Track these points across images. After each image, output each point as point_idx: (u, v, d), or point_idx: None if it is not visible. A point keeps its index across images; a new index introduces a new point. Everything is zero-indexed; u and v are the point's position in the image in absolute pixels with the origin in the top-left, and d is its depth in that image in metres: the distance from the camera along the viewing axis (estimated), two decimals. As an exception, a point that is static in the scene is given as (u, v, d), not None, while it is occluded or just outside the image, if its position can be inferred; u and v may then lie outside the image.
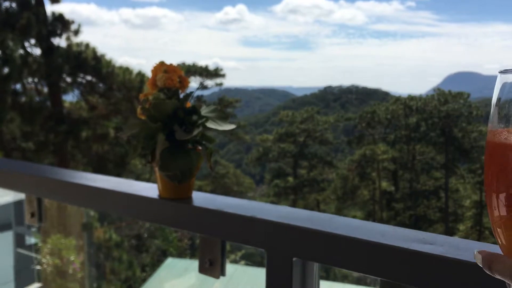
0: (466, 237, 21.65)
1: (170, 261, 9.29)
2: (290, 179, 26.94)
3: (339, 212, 23.15)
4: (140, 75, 19.31)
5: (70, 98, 19.48)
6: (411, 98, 27.06)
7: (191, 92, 0.92)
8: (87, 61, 18.62)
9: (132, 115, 0.93)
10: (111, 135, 18.65)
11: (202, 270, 0.90)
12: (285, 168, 27.60)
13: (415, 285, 0.65)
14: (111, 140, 19.00)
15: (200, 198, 0.92)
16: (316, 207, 25.59)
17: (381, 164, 25.47)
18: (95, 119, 18.61)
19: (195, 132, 0.87)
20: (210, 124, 0.90)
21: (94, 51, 19.00)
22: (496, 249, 0.66)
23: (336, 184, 26.02)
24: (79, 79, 19.18)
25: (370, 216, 24.86)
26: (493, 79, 0.43)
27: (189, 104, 0.93)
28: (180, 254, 12.93)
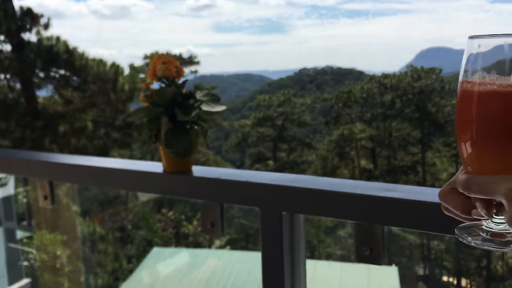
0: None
1: (156, 251, 9.39)
2: (271, 162, 27.17)
3: (320, 192, 23.41)
4: (115, 66, 19.16)
5: (44, 93, 19.21)
6: (385, 76, 27.42)
7: (186, 80, 1.07)
8: (59, 55, 18.38)
9: (136, 109, 1.07)
10: (89, 128, 18.55)
11: (205, 231, 1.06)
12: (264, 152, 27.81)
13: (381, 223, 0.82)
14: (89, 133, 18.90)
15: (200, 170, 1.08)
16: (298, 188, 25.84)
17: (359, 143, 25.83)
18: (71, 113, 18.46)
19: (193, 113, 1.02)
20: (204, 107, 1.05)
21: (65, 44, 18.75)
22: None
23: (316, 165, 26.33)
24: (52, 74, 18.92)
25: (350, 194, 25.23)
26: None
27: (184, 90, 1.08)
28: (166, 243, 13.03)
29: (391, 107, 26.15)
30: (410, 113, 25.93)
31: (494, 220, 0.53)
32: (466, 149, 0.54)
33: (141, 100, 1.08)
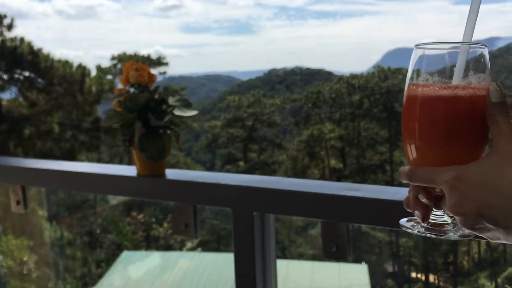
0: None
1: (126, 254, 9.29)
2: (241, 163, 27.21)
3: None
4: (81, 68, 18.88)
5: (8, 96, 18.76)
6: (353, 76, 27.83)
7: (159, 86, 1.10)
8: (24, 56, 18.02)
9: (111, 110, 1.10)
10: (56, 131, 18.22)
11: (178, 232, 1.09)
12: (235, 153, 27.84)
13: (346, 221, 0.88)
14: (56, 136, 18.56)
15: (173, 173, 1.12)
16: (268, 188, 25.96)
17: (329, 143, 26.09)
18: (37, 116, 18.11)
19: (166, 118, 1.06)
20: (177, 112, 1.09)
21: (30, 45, 18.39)
22: (401, 190, 0.89)
23: (286, 165, 26.48)
24: (16, 75, 18.52)
25: (320, 193, 25.50)
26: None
27: (157, 96, 1.12)
28: (136, 247, 12.90)
29: (359, 107, 26.55)
30: (378, 113, 26.39)
31: (434, 213, 0.60)
32: (410, 144, 0.60)
33: (114, 106, 1.11)
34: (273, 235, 0.99)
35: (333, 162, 26.47)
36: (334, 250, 0.91)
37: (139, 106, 1.06)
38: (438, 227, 0.60)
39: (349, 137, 26.60)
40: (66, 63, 18.83)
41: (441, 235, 0.59)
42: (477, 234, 0.55)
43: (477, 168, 0.53)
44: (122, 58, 25.70)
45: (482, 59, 0.59)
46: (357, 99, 26.84)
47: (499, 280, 15.09)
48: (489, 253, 17.90)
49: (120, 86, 1.14)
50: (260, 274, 0.98)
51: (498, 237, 0.53)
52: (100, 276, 9.42)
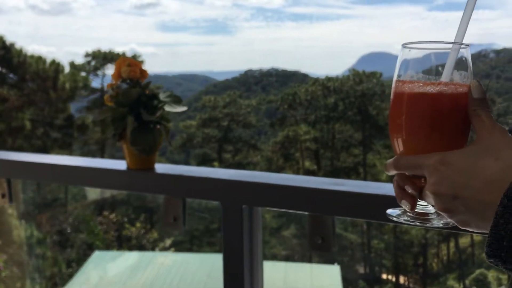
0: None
1: (97, 254, 9.19)
2: (216, 164, 27.15)
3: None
4: (55, 64, 18.59)
5: (-23, 91, 18.34)
6: (328, 79, 28.10)
7: (150, 81, 1.13)
8: (-5, 51, 17.66)
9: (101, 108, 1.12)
10: (27, 127, 17.88)
11: (167, 225, 1.12)
12: (210, 154, 27.76)
13: (331, 214, 0.92)
14: (27, 133, 18.23)
15: (162, 168, 1.15)
16: (243, 189, 25.99)
17: (304, 144, 26.27)
18: (8, 112, 17.75)
19: (158, 113, 1.09)
20: (167, 107, 1.12)
21: (2, 40, 18.03)
22: (384, 185, 0.94)
23: (261, 166, 26.55)
24: (-13, 71, 18.15)
25: (295, 194, 25.64)
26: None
27: (147, 91, 1.14)
28: (108, 247, 12.76)
29: (334, 110, 26.80)
30: (352, 115, 26.69)
31: (419, 203, 0.65)
32: (397, 138, 0.66)
33: (106, 100, 1.13)
34: (261, 228, 1.03)
35: (307, 163, 26.65)
36: (319, 243, 0.95)
37: (131, 100, 1.08)
38: (422, 216, 0.65)
39: (324, 139, 26.82)
40: (39, 59, 18.51)
41: (425, 223, 0.64)
42: (449, 218, 0.59)
43: (460, 155, 0.57)
44: (96, 55, 25.36)
45: (464, 58, 0.64)
46: (332, 102, 27.11)
47: (467, 282, 15.45)
48: (458, 255, 18.32)
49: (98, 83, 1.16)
50: (248, 265, 1.02)
51: (466, 222, 0.57)
52: (70, 276, 9.29)
